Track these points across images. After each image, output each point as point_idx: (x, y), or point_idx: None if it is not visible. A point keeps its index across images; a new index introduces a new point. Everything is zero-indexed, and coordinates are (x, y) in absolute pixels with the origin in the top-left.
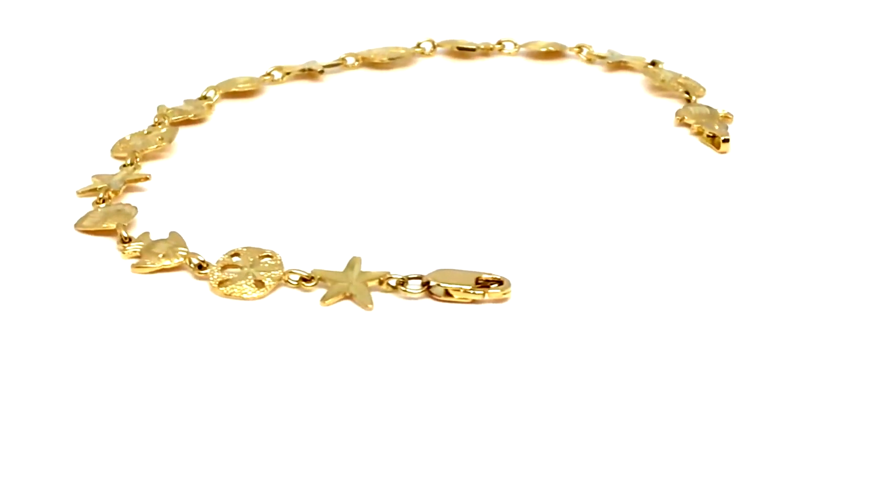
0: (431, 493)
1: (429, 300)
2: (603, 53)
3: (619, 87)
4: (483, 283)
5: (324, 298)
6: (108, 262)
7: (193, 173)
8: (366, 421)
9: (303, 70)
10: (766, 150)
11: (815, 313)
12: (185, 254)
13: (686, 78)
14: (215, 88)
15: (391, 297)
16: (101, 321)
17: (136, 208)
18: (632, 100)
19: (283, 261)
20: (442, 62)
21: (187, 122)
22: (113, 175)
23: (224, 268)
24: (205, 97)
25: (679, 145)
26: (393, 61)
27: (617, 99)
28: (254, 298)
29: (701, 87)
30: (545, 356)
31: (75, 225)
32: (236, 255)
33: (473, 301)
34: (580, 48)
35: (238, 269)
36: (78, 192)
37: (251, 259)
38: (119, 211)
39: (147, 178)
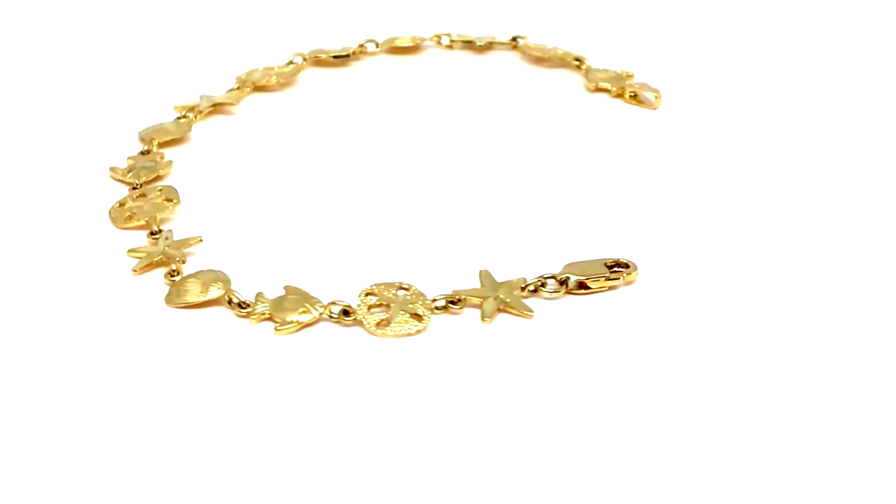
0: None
1: (569, 296)
2: (468, 38)
3: (501, 67)
4: (611, 268)
5: (485, 316)
6: None
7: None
8: (559, 426)
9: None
10: (682, 100)
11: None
12: (323, 308)
13: (556, 48)
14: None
15: (534, 300)
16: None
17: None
18: (526, 76)
19: (418, 288)
20: (317, 73)
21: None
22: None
23: (370, 308)
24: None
25: (609, 111)
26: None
27: (512, 79)
28: (419, 331)
29: (577, 54)
30: (679, 339)
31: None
32: (371, 293)
33: (611, 288)
34: (438, 38)
35: (385, 307)
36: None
37: (389, 294)
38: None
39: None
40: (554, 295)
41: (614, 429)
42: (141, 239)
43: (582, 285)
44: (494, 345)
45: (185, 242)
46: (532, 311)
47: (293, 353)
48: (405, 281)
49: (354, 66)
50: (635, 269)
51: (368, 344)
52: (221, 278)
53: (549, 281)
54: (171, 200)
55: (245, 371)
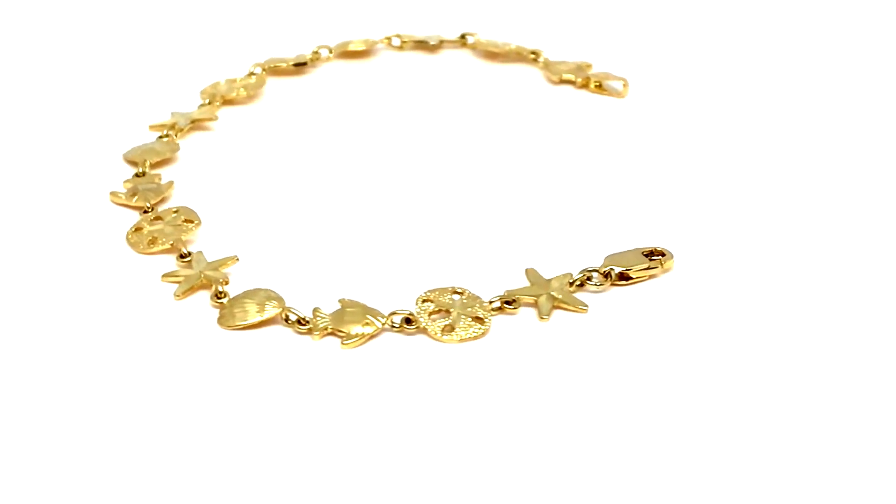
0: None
1: (614, 288)
2: (419, 38)
3: (457, 65)
4: (648, 256)
5: (543, 314)
6: None
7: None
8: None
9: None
10: (646, 87)
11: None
12: (384, 319)
13: (507, 43)
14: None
15: (581, 294)
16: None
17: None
18: (485, 73)
19: (470, 291)
20: (277, 82)
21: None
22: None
23: (430, 315)
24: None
25: (576, 102)
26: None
27: (472, 76)
28: (483, 334)
29: (532, 48)
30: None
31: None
32: (428, 300)
33: (650, 277)
34: (389, 39)
35: (444, 313)
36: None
37: (445, 299)
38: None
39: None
40: (599, 288)
41: (688, 418)
42: (165, 263)
43: (623, 276)
44: (554, 342)
45: (221, 263)
46: (586, 306)
47: (362, 367)
48: (458, 285)
49: (312, 74)
50: (671, 256)
51: (434, 351)
52: (274, 296)
53: (593, 274)
54: (191, 221)
55: (317, 387)
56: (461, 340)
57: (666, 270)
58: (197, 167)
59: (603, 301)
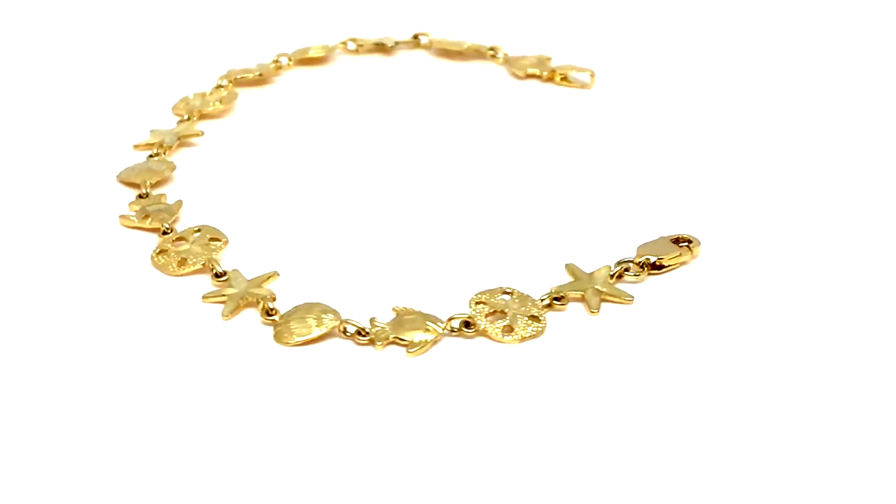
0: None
1: (650, 277)
2: (375, 41)
3: (417, 66)
4: (676, 243)
5: (592, 308)
6: None
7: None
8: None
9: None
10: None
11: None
12: (443, 324)
13: (462, 41)
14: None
15: (624, 286)
16: None
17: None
18: (447, 72)
19: (520, 290)
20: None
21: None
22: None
23: (488, 316)
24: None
25: (545, 96)
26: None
27: (435, 76)
28: (541, 332)
29: (490, 44)
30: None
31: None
32: (481, 302)
33: (682, 264)
34: (344, 44)
35: (500, 314)
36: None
37: (497, 300)
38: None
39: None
40: (637, 278)
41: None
42: (196, 283)
43: (656, 265)
44: (606, 335)
45: (263, 279)
46: (632, 297)
47: (430, 373)
48: (507, 286)
49: (277, 83)
50: (698, 242)
51: (496, 353)
52: (329, 309)
53: (630, 265)
54: (217, 240)
55: (390, 397)
56: (521, 340)
57: (694, 257)
58: (193, 183)
59: (642, 291)
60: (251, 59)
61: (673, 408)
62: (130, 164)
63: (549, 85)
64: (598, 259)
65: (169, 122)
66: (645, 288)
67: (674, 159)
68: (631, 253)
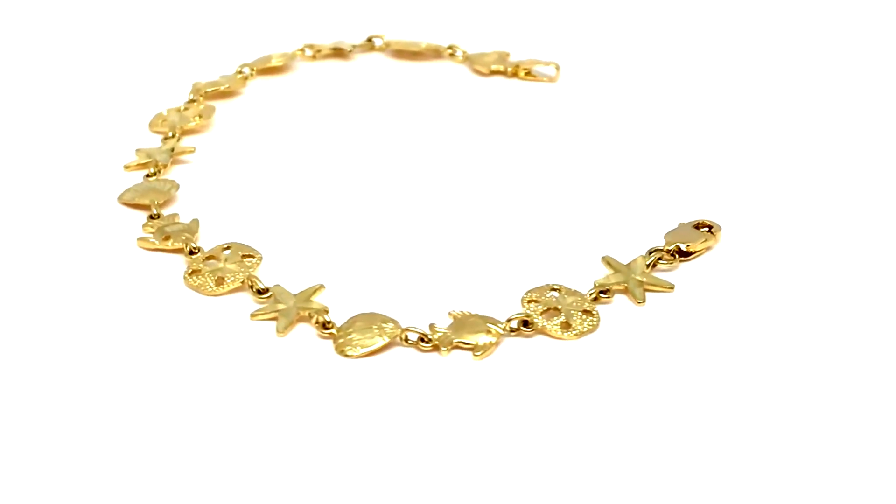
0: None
1: (681, 264)
2: (333, 45)
3: (378, 69)
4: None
5: (639, 299)
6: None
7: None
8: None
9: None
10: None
11: None
12: (502, 325)
13: (419, 42)
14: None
15: (658, 274)
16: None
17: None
18: (409, 74)
19: (566, 286)
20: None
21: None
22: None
23: (542, 314)
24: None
25: (513, 92)
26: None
27: (399, 78)
28: (594, 327)
29: (448, 44)
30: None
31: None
32: (533, 301)
33: (707, 250)
34: (302, 51)
35: (554, 311)
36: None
37: (548, 298)
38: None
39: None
40: (669, 266)
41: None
42: (236, 302)
43: (684, 252)
44: (655, 323)
45: (310, 293)
46: (672, 285)
47: (498, 375)
48: (555, 282)
49: (244, 94)
50: (719, 228)
51: (555, 350)
52: (387, 318)
53: (662, 254)
54: (251, 256)
55: (464, 402)
56: (580, 335)
57: (716, 242)
58: (193, 200)
59: (676, 278)
60: (205, 70)
61: (739, 392)
62: (115, 184)
63: (513, 80)
64: (601, 250)
65: (144, 139)
66: (677, 275)
67: (654, 145)
68: (636, 241)
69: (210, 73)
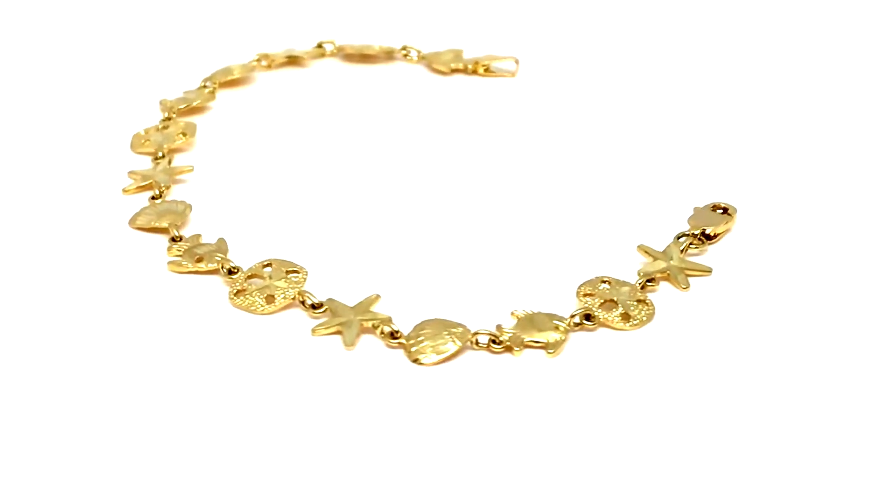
0: None
1: (709, 248)
2: (284, 54)
3: (335, 74)
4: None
5: (683, 285)
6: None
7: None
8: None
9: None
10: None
11: None
12: (567, 320)
13: (371, 45)
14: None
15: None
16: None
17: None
18: (368, 77)
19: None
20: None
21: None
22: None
23: (601, 307)
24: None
25: (476, 89)
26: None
27: (359, 82)
28: (651, 316)
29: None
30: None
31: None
32: (588, 294)
33: (727, 232)
34: (258, 61)
35: (611, 303)
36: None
37: (602, 290)
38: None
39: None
40: (698, 250)
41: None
42: (287, 319)
43: (708, 235)
44: (703, 308)
45: (368, 303)
46: (710, 268)
47: (574, 371)
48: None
49: (214, 108)
50: (735, 210)
51: (619, 341)
52: (455, 323)
53: (691, 238)
54: (297, 271)
55: (546, 401)
56: (640, 325)
57: (734, 223)
58: (203, 220)
59: (707, 261)
60: (153, 85)
61: (800, 369)
62: (116, 209)
63: (473, 78)
64: (612, 240)
65: (124, 160)
66: (707, 259)
67: (628, 133)
68: (637, 230)
69: (160, 87)
